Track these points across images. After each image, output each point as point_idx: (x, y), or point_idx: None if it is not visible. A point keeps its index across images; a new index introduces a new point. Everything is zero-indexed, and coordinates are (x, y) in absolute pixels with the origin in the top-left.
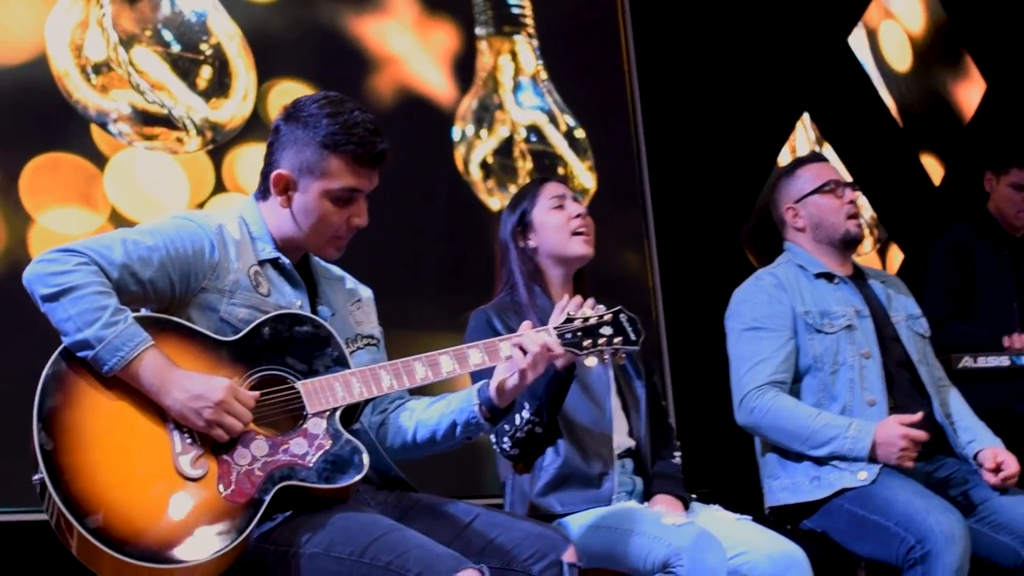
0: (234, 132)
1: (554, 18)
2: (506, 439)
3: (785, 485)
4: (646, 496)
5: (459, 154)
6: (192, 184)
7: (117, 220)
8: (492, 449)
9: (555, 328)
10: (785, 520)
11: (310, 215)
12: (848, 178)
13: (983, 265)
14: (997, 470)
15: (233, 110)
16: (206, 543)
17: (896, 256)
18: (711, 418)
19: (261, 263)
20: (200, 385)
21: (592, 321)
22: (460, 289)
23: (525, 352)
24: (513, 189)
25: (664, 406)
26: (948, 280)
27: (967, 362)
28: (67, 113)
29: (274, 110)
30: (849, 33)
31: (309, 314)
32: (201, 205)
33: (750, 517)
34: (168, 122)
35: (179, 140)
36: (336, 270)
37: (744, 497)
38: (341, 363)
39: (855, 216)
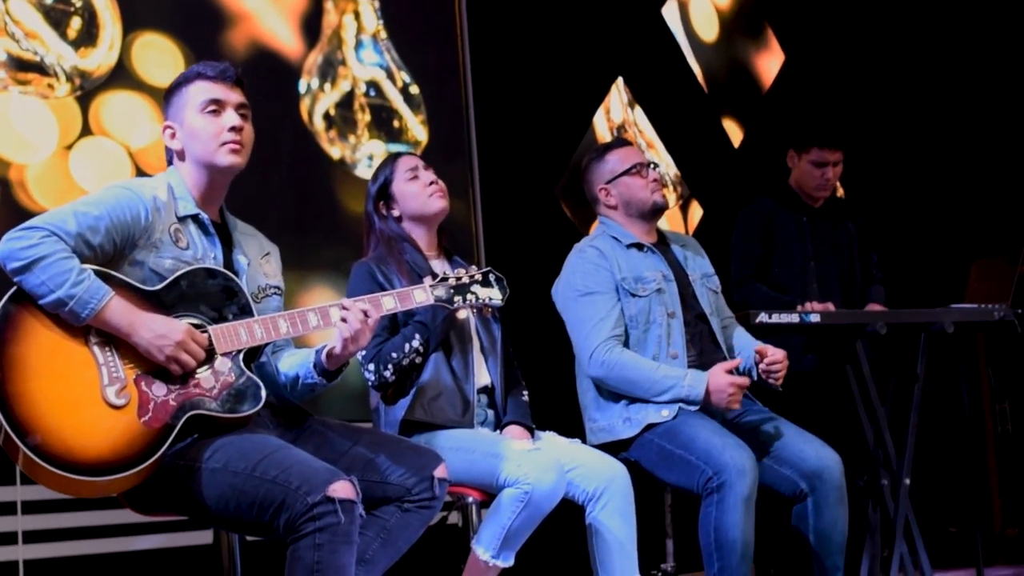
0: (100, 80)
1: None
2: (390, 367)
3: (602, 427)
4: (498, 427)
5: (304, 106)
6: (61, 127)
7: None
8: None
9: (431, 285)
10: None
11: (194, 135)
12: (648, 150)
13: (783, 231)
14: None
15: (100, 59)
16: (127, 460)
17: (696, 212)
18: (531, 357)
19: (182, 220)
20: (163, 326)
21: (464, 279)
22: (303, 231)
23: (348, 324)
24: (352, 139)
25: (510, 349)
26: (751, 245)
27: (763, 318)
28: None
29: (137, 60)
30: (663, 4)
31: (221, 269)
32: (69, 147)
33: (579, 440)
34: (40, 69)
35: (50, 86)
36: (249, 228)
37: (566, 429)
38: (246, 311)
39: (658, 190)
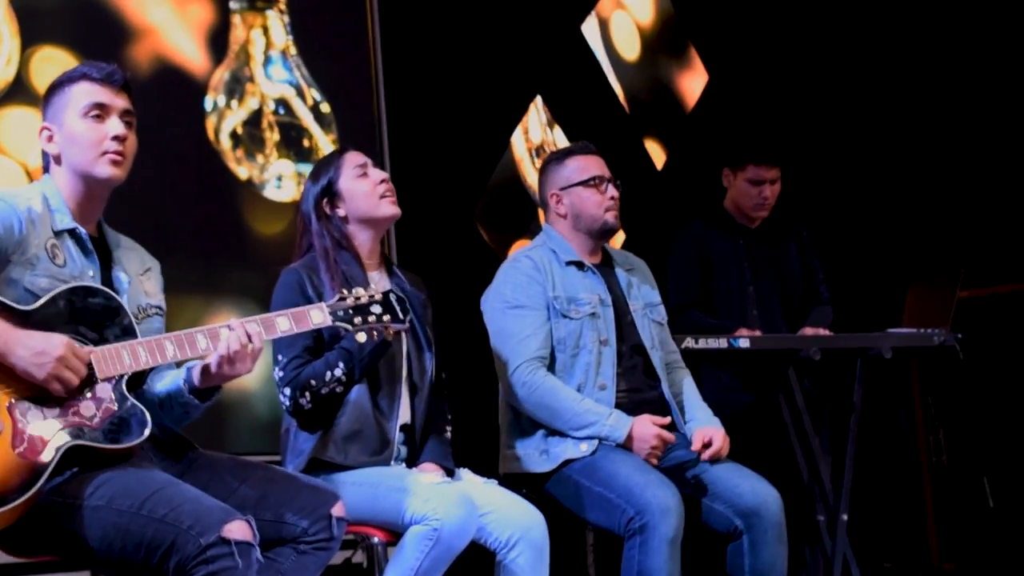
0: None
1: None
2: (308, 394)
3: (516, 455)
4: (412, 463)
5: (210, 124)
6: None
7: None
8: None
9: (328, 306)
10: (518, 486)
11: (73, 141)
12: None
13: (720, 255)
14: (707, 447)
15: None
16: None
17: (619, 236)
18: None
19: (58, 234)
20: (41, 343)
21: (363, 300)
22: (209, 253)
23: (228, 347)
24: (260, 159)
25: (443, 379)
26: (687, 271)
27: (689, 343)
28: None
29: (36, 75)
30: (583, 22)
31: (101, 287)
32: None
33: (495, 481)
34: None
35: None
36: (130, 241)
37: (480, 462)
38: (129, 333)
39: (613, 209)
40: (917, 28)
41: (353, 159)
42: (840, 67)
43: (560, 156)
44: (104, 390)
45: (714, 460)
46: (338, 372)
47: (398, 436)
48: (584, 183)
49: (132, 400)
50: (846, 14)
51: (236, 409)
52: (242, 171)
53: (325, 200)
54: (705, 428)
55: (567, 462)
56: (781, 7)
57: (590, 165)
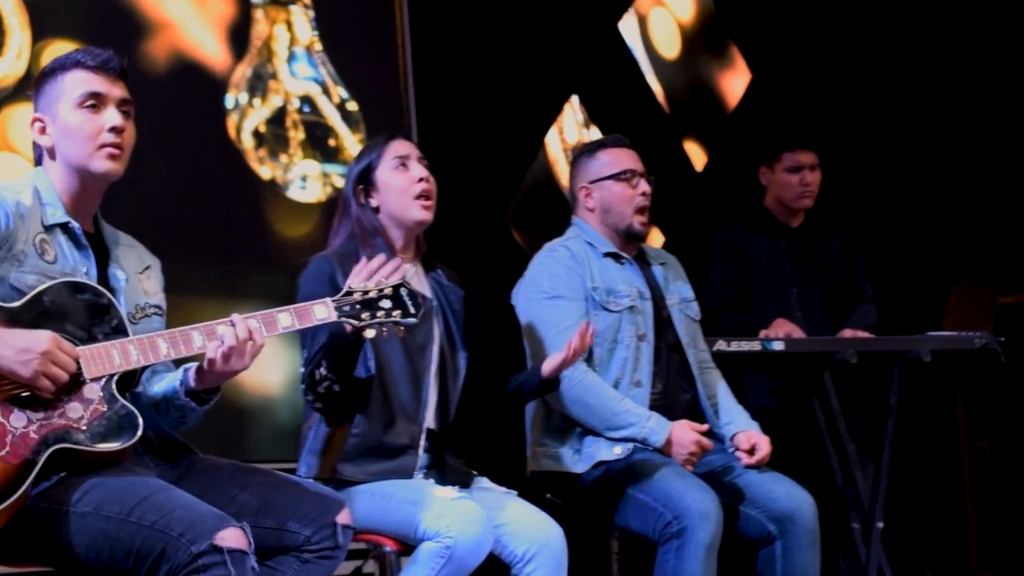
0: (7, 91)
1: None
2: (311, 394)
3: (549, 453)
4: (435, 469)
5: (231, 122)
6: None
7: None
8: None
9: (334, 301)
10: (545, 487)
11: (68, 133)
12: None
13: (760, 256)
14: (751, 452)
15: (6, 68)
16: None
17: (656, 239)
18: (473, 386)
19: (49, 229)
20: (24, 339)
21: (372, 294)
22: (231, 255)
23: (223, 341)
24: (284, 159)
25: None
26: (726, 274)
27: (721, 345)
28: None
29: None
30: (620, 18)
31: (90, 282)
32: None
33: (515, 492)
34: None
35: None
36: (128, 238)
37: (503, 465)
38: (120, 331)
39: (644, 211)
40: (961, 30)
41: (396, 148)
42: (883, 67)
43: (591, 148)
44: (92, 391)
45: (757, 468)
46: (323, 371)
47: (423, 443)
48: (615, 177)
49: (123, 401)
50: (888, 12)
51: (258, 415)
52: (265, 171)
53: (361, 187)
54: (750, 432)
55: (600, 464)
56: (824, 4)
57: (622, 158)
